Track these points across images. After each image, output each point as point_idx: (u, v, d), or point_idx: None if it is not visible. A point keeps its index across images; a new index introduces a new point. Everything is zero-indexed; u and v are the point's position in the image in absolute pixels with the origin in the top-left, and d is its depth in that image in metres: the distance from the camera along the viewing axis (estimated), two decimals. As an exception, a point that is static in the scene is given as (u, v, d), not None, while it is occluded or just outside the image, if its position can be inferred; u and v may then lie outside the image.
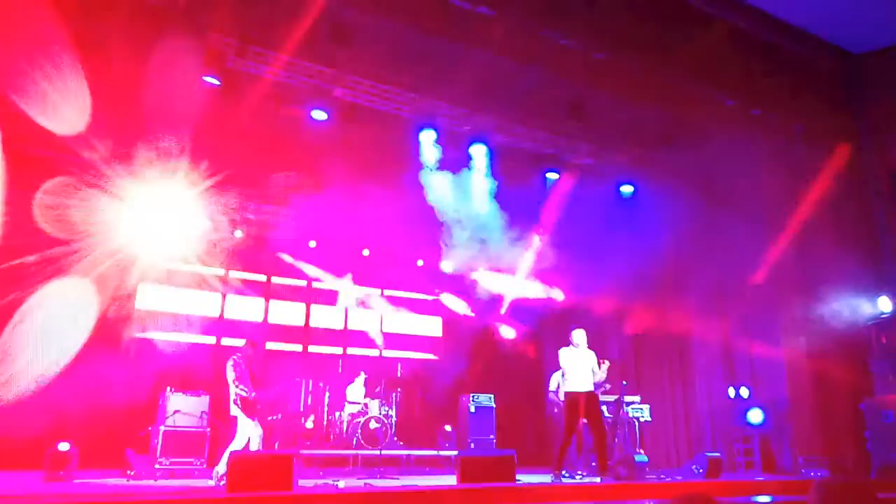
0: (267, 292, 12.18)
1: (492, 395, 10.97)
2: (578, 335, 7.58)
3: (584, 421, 7.37)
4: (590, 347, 7.68)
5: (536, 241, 11.83)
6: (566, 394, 7.40)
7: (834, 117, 9.76)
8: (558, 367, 9.40)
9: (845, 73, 9.80)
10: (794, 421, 9.15)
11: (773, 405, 9.61)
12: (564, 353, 7.56)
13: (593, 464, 8.50)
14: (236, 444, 6.89)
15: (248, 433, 6.94)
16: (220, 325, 11.53)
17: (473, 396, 10.83)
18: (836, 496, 2.13)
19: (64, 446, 7.21)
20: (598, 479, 7.12)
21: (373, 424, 9.70)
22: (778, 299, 9.59)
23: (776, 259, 9.65)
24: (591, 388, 7.36)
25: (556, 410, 9.08)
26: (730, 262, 10.56)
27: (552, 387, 9.28)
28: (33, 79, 7.27)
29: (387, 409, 10.07)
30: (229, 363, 7.15)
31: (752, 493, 6.35)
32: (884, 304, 8.66)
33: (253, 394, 7.01)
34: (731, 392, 10.08)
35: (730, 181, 10.29)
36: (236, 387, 6.97)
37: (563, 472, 7.33)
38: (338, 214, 11.81)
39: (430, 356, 13.59)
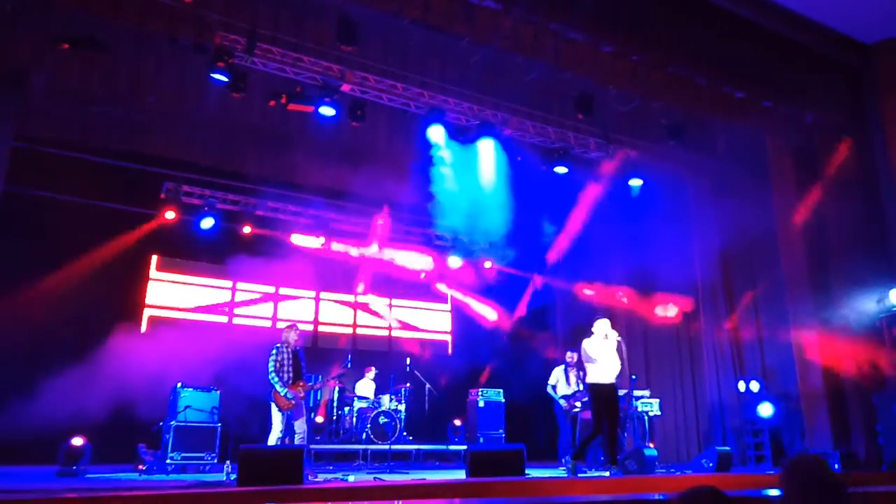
0: (275, 291, 12.24)
1: (501, 390, 10.97)
2: (601, 325, 7.29)
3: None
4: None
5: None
6: (591, 385, 7.22)
7: (845, 108, 9.67)
8: (563, 362, 9.41)
9: (856, 63, 9.69)
10: (804, 415, 9.10)
11: (783, 399, 9.57)
12: (589, 344, 7.28)
13: (601, 458, 8.50)
14: (270, 438, 6.90)
15: (277, 426, 6.92)
16: (229, 326, 11.63)
17: (482, 391, 10.84)
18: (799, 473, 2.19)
19: (77, 441, 7.28)
20: (607, 474, 7.11)
21: (382, 419, 9.73)
22: (788, 293, 9.53)
23: (786, 252, 9.59)
24: (613, 379, 7.20)
25: (565, 406, 9.03)
26: (739, 256, 10.53)
27: (552, 381, 9.23)
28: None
29: (396, 404, 10.09)
30: (272, 352, 7.11)
31: (762, 486, 6.33)
32: (895, 298, 8.59)
33: (284, 390, 6.90)
34: (742, 386, 10.03)
35: (738, 174, 10.24)
36: (270, 377, 6.93)
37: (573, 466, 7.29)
38: (346, 209, 11.86)
39: (440, 351, 13.61)
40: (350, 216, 12.06)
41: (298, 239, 11.79)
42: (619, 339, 7.26)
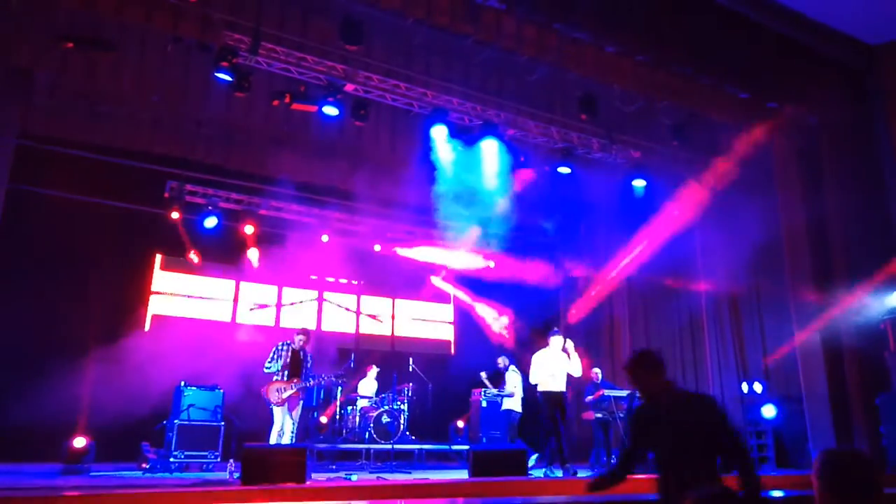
0: (279, 290, 12.25)
1: (503, 390, 10.96)
2: (555, 340, 7.80)
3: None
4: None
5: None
6: (544, 393, 7.67)
7: (850, 109, 9.64)
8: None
9: (861, 64, 9.66)
10: (807, 416, 9.08)
11: (786, 400, 9.54)
12: (542, 355, 7.77)
13: (604, 459, 8.52)
14: (272, 437, 7.00)
15: (278, 423, 7.04)
16: (232, 325, 11.64)
17: (485, 391, 10.83)
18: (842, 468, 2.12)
19: (80, 440, 7.30)
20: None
21: (385, 419, 9.73)
22: (792, 293, 9.51)
23: (790, 253, 9.57)
24: (564, 387, 7.71)
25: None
26: (743, 256, 10.50)
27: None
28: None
29: (399, 403, 10.09)
30: (273, 349, 7.35)
31: (765, 488, 6.31)
32: (899, 299, 8.56)
33: (276, 378, 7.12)
34: (745, 387, 10.01)
35: (743, 174, 10.20)
36: (265, 368, 7.14)
37: (567, 466, 7.30)
38: (349, 209, 11.86)
39: (443, 351, 13.61)
40: (353, 215, 12.06)
41: (301, 238, 11.79)
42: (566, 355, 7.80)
